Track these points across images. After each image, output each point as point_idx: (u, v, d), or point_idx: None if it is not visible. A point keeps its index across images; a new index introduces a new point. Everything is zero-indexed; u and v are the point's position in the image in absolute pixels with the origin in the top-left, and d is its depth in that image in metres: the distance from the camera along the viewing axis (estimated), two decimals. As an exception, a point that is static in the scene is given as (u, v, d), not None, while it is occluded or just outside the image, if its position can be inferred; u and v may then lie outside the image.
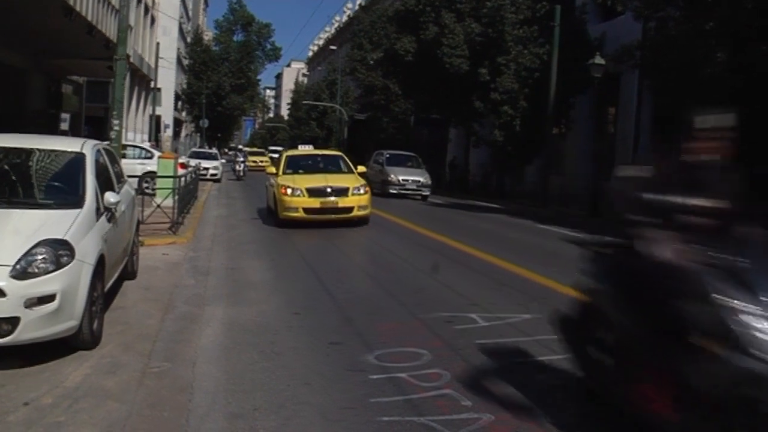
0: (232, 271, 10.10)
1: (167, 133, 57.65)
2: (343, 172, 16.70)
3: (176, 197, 14.12)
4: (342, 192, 15.27)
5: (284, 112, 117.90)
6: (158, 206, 13.17)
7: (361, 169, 17.25)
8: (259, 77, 71.75)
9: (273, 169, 17.12)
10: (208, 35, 70.94)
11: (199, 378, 5.32)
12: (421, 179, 27.15)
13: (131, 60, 27.75)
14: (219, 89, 63.50)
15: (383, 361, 5.79)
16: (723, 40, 15.30)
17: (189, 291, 8.52)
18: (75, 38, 20.18)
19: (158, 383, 5.20)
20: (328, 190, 15.22)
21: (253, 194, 24.23)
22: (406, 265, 11.20)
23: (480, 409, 4.76)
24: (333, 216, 15.09)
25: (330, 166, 17.17)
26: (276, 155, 36.27)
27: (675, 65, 16.53)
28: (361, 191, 15.52)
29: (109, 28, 22.73)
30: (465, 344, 6.38)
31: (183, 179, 15.57)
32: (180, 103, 67.18)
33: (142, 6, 38.43)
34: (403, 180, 26.95)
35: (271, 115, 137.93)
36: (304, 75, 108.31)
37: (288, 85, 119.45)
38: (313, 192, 15.10)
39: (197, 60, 63.97)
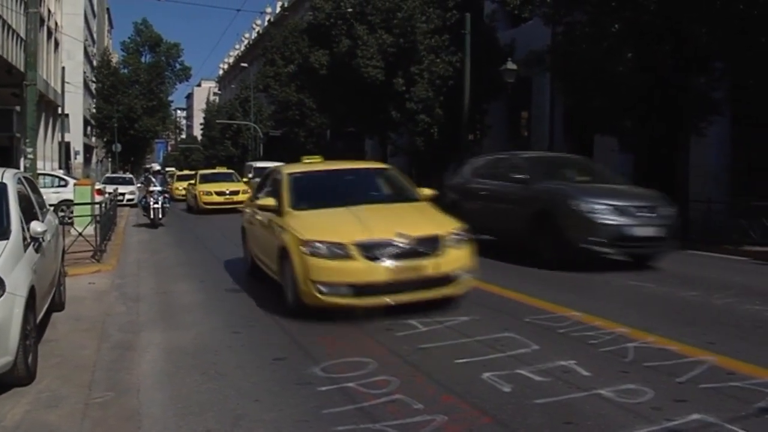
0: (162, 296, 9.91)
1: (77, 160, 56.08)
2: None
3: (97, 224, 13.77)
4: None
5: (196, 132, 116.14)
6: (80, 234, 12.78)
7: (427, 192, 9.45)
8: (170, 98, 70.67)
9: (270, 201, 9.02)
10: (115, 57, 69.33)
11: (146, 404, 5.22)
12: None
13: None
14: (131, 112, 62.12)
15: (330, 373, 5.80)
16: (628, 41, 15.91)
17: (121, 318, 8.32)
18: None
19: (104, 413, 5.07)
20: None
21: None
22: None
23: (432, 411, 4.82)
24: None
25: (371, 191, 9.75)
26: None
27: (582, 67, 17.05)
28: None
29: (10, 52, 21.85)
30: (408, 350, 6.45)
31: (102, 206, 15.23)
32: (90, 128, 65.46)
33: (45, 29, 37.31)
34: None
35: (184, 136, 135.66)
36: (215, 94, 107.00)
37: (199, 104, 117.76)
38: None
39: (105, 83, 62.45)
